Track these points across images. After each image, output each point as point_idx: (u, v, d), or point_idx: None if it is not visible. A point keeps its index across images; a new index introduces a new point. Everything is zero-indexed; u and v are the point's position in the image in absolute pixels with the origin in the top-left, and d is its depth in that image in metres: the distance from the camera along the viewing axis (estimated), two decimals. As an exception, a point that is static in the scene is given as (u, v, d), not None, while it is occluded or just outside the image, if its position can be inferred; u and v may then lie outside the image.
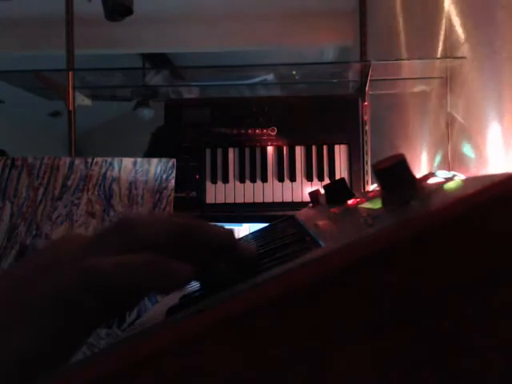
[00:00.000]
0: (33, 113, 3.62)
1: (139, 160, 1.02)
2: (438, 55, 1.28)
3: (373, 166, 0.24)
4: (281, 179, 1.25)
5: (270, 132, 1.27)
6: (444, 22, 1.24)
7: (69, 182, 1.00)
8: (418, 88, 1.49)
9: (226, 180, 1.25)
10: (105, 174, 1.00)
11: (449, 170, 1.14)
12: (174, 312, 0.28)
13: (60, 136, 1.97)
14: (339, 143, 1.26)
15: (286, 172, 1.25)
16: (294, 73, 1.60)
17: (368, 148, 1.30)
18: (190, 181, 1.24)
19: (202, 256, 0.28)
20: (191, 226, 0.26)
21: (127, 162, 1.01)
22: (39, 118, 4.07)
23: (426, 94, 1.43)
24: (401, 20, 1.67)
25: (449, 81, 1.24)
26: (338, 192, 0.45)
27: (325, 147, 1.26)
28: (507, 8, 0.90)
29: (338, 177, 1.25)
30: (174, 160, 1.03)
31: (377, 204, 0.27)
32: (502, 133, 0.93)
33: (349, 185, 1.20)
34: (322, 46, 3.04)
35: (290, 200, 1.24)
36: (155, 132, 1.81)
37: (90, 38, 2.26)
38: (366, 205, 0.32)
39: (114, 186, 0.99)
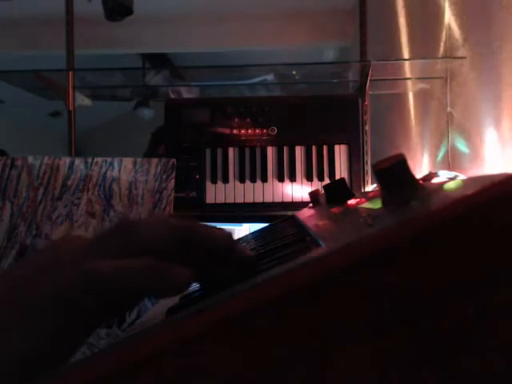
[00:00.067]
0: (33, 113, 3.62)
1: (139, 160, 1.02)
2: (438, 55, 1.28)
3: (373, 166, 0.24)
4: (281, 179, 1.25)
5: (269, 132, 1.27)
6: (444, 21, 1.24)
7: (69, 182, 1.00)
8: (418, 88, 1.49)
9: (226, 180, 1.25)
10: (105, 174, 1.00)
11: (449, 170, 1.14)
12: (174, 312, 0.28)
13: (60, 136, 1.97)
14: (339, 143, 1.26)
15: (286, 172, 1.25)
16: (294, 73, 1.60)
17: (368, 148, 1.30)
18: (189, 181, 1.24)
19: (202, 259, 0.28)
20: (191, 229, 0.26)
21: (127, 162, 1.01)
22: (39, 118, 4.07)
23: (426, 93, 1.43)
24: (401, 20, 1.67)
25: (449, 81, 1.24)
26: (338, 192, 0.45)
27: (325, 147, 1.26)
28: (507, 8, 0.90)
29: (338, 177, 1.25)
30: (174, 160, 1.03)
31: (377, 204, 0.27)
32: (501, 133, 0.93)
33: (349, 185, 1.20)
34: (321, 45, 3.04)
35: (289, 200, 1.24)
36: (155, 132, 1.81)
37: (90, 37, 2.26)
38: (366, 205, 0.32)
39: (114, 186, 0.99)
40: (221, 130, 1.27)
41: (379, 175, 0.23)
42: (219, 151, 1.27)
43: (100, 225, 0.98)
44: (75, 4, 1.48)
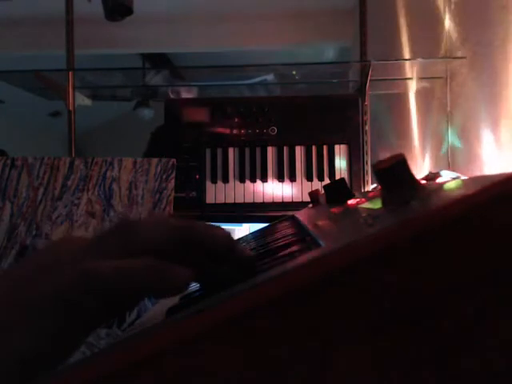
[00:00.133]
0: (33, 113, 3.62)
1: (139, 160, 1.02)
2: (438, 55, 1.28)
3: (373, 166, 0.24)
4: (281, 179, 1.25)
5: (269, 132, 1.27)
6: (444, 22, 1.24)
7: (69, 182, 1.00)
8: (418, 88, 1.49)
9: (226, 180, 1.25)
10: (105, 173, 1.00)
11: (449, 170, 1.14)
12: (174, 312, 0.28)
13: (60, 136, 1.97)
14: (339, 143, 1.26)
15: (286, 172, 1.25)
16: (294, 73, 1.60)
17: (368, 148, 1.30)
18: (190, 181, 1.24)
19: (202, 259, 0.28)
20: (191, 228, 0.26)
21: (127, 162, 1.01)
22: (39, 118, 4.07)
23: (426, 93, 1.43)
24: (401, 20, 1.67)
25: (449, 81, 1.24)
26: (338, 192, 0.45)
27: (325, 147, 1.26)
28: (507, 8, 0.90)
29: (337, 177, 1.25)
30: (174, 160, 1.03)
31: (377, 204, 0.27)
32: (501, 133, 0.93)
33: (349, 185, 1.20)
34: (321, 45, 3.04)
35: (290, 200, 1.24)
36: (155, 132, 1.81)
37: (90, 38, 2.26)
38: (366, 205, 0.32)
39: (114, 186, 0.99)
40: (221, 130, 1.27)
41: (379, 175, 0.23)
42: (219, 151, 1.27)
43: (100, 225, 0.98)
44: (75, 4, 1.48)
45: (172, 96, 2.04)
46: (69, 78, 1.39)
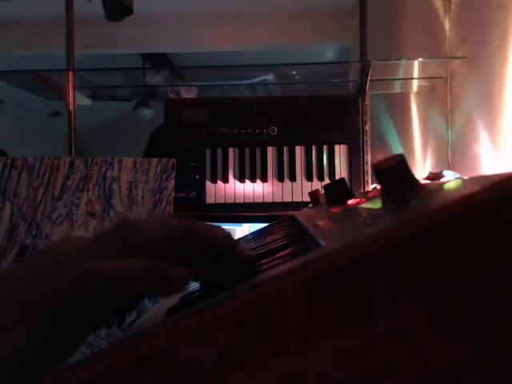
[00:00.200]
0: (33, 113, 3.62)
1: (139, 160, 1.02)
2: (438, 55, 1.28)
3: (373, 166, 0.24)
4: (281, 179, 1.25)
5: (269, 132, 1.27)
6: (444, 22, 1.24)
7: (69, 182, 1.00)
8: (418, 88, 1.49)
9: (226, 180, 1.25)
10: (105, 173, 1.00)
11: (448, 170, 1.14)
12: (174, 312, 0.28)
13: (60, 136, 1.97)
14: (339, 143, 1.26)
15: (286, 172, 1.25)
16: (294, 73, 1.60)
17: (368, 148, 1.30)
18: (190, 181, 1.24)
19: (202, 258, 0.28)
20: (191, 229, 0.26)
21: (127, 162, 1.01)
22: (39, 118, 4.07)
23: (426, 93, 1.43)
24: (401, 20, 1.67)
25: (449, 81, 1.24)
26: (338, 192, 0.45)
27: (325, 147, 1.26)
28: (507, 8, 0.90)
29: (338, 177, 1.25)
30: (174, 160, 1.03)
31: (377, 204, 0.27)
32: (501, 133, 0.93)
33: (349, 185, 1.20)
34: (321, 45, 3.04)
35: (289, 200, 1.24)
36: (154, 132, 1.81)
37: (90, 38, 2.26)
38: (366, 205, 0.32)
39: (114, 186, 0.99)
40: (221, 130, 1.26)
41: (379, 175, 0.23)
42: (219, 151, 1.27)
43: (100, 225, 0.98)
44: (75, 4, 1.48)
45: (172, 96, 2.04)
46: (69, 78, 1.39)
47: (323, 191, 0.49)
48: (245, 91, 2.24)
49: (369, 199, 0.35)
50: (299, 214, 0.53)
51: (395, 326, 0.17)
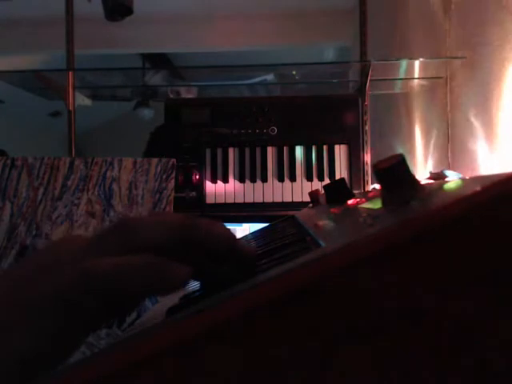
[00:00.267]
0: (33, 113, 3.62)
1: (139, 160, 1.02)
2: (438, 55, 1.28)
3: (373, 166, 0.24)
4: (281, 179, 1.25)
5: (269, 132, 1.27)
6: (444, 22, 1.24)
7: (69, 182, 1.00)
8: (418, 88, 1.49)
9: (226, 180, 1.25)
10: (105, 173, 1.00)
11: (448, 170, 1.14)
12: (174, 312, 0.28)
13: (60, 136, 1.97)
14: (339, 143, 1.26)
15: (286, 172, 1.25)
16: (294, 73, 1.60)
17: (368, 148, 1.30)
18: (190, 181, 1.24)
19: (203, 257, 0.28)
20: (191, 227, 0.26)
21: (127, 162, 1.01)
22: (39, 118, 4.07)
23: (426, 94, 1.43)
24: (401, 20, 1.67)
25: (449, 81, 1.24)
26: (338, 192, 0.45)
27: (325, 147, 1.26)
28: (507, 8, 0.90)
29: (338, 177, 1.25)
30: (174, 160, 1.03)
31: (377, 204, 0.27)
32: (501, 133, 0.93)
33: (349, 185, 1.20)
34: (321, 45, 3.04)
35: (289, 200, 1.24)
36: (154, 132, 1.81)
37: (90, 38, 2.26)
38: (366, 205, 0.32)
39: (114, 186, 0.99)
40: (221, 130, 1.27)
41: (379, 175, 0.23)
42: (219, 151, 1.27)
43: (100, 225, 0.98)
44: (75, 4, 1.48)
45: (171, 96, 2.04)
46: (69, 78, 1.40)
47: (323, 191, 0.49)
48: (245, 91, 2.24)
49: (369, 199, 0.35)
50: (299, 214, 0.53)
51: (395, 326, 0.17)
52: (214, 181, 1.25)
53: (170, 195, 1.00)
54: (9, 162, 1.01)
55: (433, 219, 0.17)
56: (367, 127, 1.32)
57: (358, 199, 0.39)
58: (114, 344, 0.22)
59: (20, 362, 0.22)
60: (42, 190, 0.99)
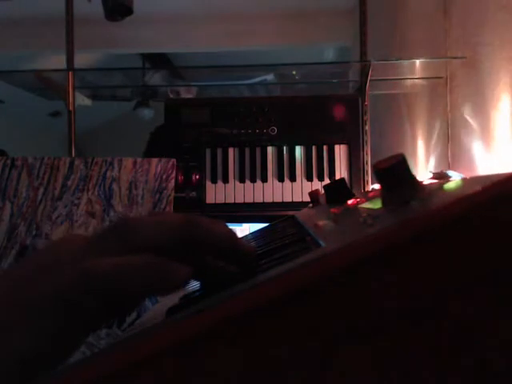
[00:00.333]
0: (33, 113, 3.62)
1: (139, 160, 1.02)
2: (438, 55, 1.28)
3: (373, 166, 0.24)
4: (281, 179, 1.25)
5: (269, 132, 1.27)
6: (444, 22, 1.24)
7: (69, 182, 1.00)
8: (418, 88, 1.49)
9: (225, 180, 1.25)
10: (105, 173, 1.00)
11: (448, 170, 1.14)
12: (174, 312, 0.28)
13: (60, 136, 1.97)
14: (339, 143, 1.26)
15: (286, 172, 1.25)
16: (294, 73, 1.60)
17: (368, 148, 1.30)
18: (190, 181, 1.24)
19: (203, 256, 0.28)
20: (191, 227, 0.26)
21: (127, 162, 1.01)
22: (39, 118, 4.07)
23: (426, 94, 1.43)
24: (401, 20, 1.67)
25: (449, 81, 1.24)
26: (338, 192, 0.45)
27: (325, 147, 1.26)
28: (507, 8, 0.90)
29: (338, 177, 1.25)
30: (174, 160, 1.03)
31: (377, 204, 0.27)
32: (502, 132, 0.93)
33: (349, 185, 1.20)
34: (321, 45, 3.04)
35: (289, 200, 1.24)
36: (154, 132, 1.81)
37: (90, 38, 2.26)
38: (366, 205, 0.32)
39: (114, 186, 0.99)
40: (221, 130, 1.27)
41: (379, 175, 0.23)
42: (219, 151, 1.27)
43: (100, 225, 0.98)
44: (75, 4, 1.48)
45: (171, 96, 2.04)
46: (69, 78, 1.40)
47: (323, 191, 0.49)
48: (245, 91, 2.24)
49: (369, 199, 0.35)
50: (299, 214, 0.53)
51: (395, 326, 0.17)
52: (213, 181, 1.25)
53: (169, 195, 1.00)
54: (9, 161, 1.01)
55: (433, 219, 0.17)
56: (367, 127, 1.32)
57: (358, 199, 0.39)
58: (114, 344, 0.22)
59: (20, 362, 0.22)
60: (41, 190, 0.99)
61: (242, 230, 1.42)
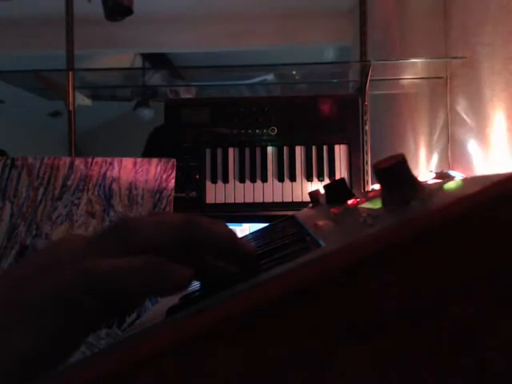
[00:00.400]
0: (33, 113, 3.61)
1: (139, 160, 1.02)
2: (438, 55, 1.28)
3: (373, 166, 0.24)
4: (281, 179, 1.25)
5: (269, 132, 1.27)
6: (444, 22, 1.24)
7: (69, 182, 1.00)
8: (418, 88, 1.49)
9: (225, 180, 1.25)
10: (105, 174, 1.00)
11: (449, 170, 1.14)
12: (174, 312, 0.28)
13: (60, 136, 1.97)
14: (339, 143, 1.26)
15: (286, 172, 1.25)
16: (294, 73, 1.60)
17: (368, 148, 1.30)
18: (190, 181, 1.24)
19: (203, 256, 0.28)
20: (192, 227, 0.26)
21: (127, 162, 1.01)
22: (39, 118, 4.07)
23: (426, 93, 1.43)
24: (401, 20, 1.67)
25: (449, 81, 1.24)
26: (338, 192, 0.45)
27: (325, 147, 1.26)
28: (507, 8, 0.90)
29: (338, 177, 1.25)
30: (174, 160, 1.03)
31: (377, 204, 0.27)
32: (502, 133, 0.93)
33: (349, 185, 1.20)
34: (321, 45, 3.04)
35: (290, 200, 1.24)
36: (152, 132, 1.81)
37: (90, 38, 2.26)
38: (366, 205, 0.32)
39: (114, 186, 0.99)
40: (221, 130, 1.27)
41: (379, 175, 0.23)
42: (219, 151, 1.27)
43: (100, 225, 0.98)
44: (75, 4, 1.48)
45: (170, 96, 2.04)
46: (69, 78, 1.40)
47: (323, 191, 0.49)
48: (245, 91, 2.24)
49: (369, 199, 0.35)
50: (299, 214, 0.53)
51: (395, 326, 0.17)
52: (213, 181, 1.25)
53: (169, 195, 1.00)
54: (9, 161, 1.01)
55: (433, 219, 0.17)
56: (367, 127, 1.32)
57: (358, 199, 0.39)
58: (114, 344, 0.22)
59: (20, 362, 0.22)
60: (41, 190, 0.99)
61: (242, 230, 1.42)
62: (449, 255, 0.17)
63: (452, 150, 1.21)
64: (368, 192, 0.52)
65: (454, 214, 0.17)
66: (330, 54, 3.16)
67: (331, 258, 0.17)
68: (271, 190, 1.25)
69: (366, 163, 1.29)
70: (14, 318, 0.23)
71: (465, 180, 0.25)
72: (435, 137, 1.33)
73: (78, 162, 1.01)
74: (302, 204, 1.17)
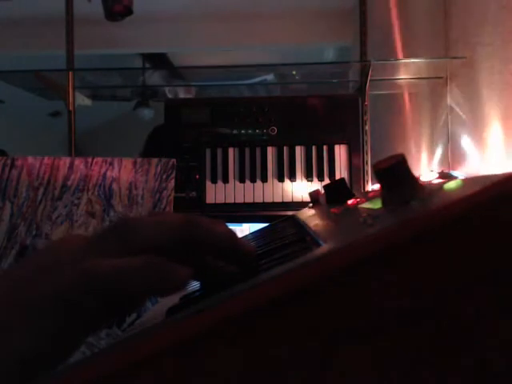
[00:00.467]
0: (33, 113, 3.61)
1: (139, 160, 1.02)
2: (438, 55, 1.28)
3: (373, 166, 0.24)
4: (281, 179, 1.25)
5: (269, 132, 1.27)
6: (444, 22, 1.24)
7: (69, 182, 1.00)
8: (418, 88, 1.49)
9: (225, 180, 1.25)
10: (105, 174, 1.00)
11: (449, 170, 1.15)
12: (174, 312, 0.28)
13: (60, 136, 1.97)
14: (339, 143, 1.26)
15: (286, 172, 1.25)
16: (294, 73, 1.60)
17: (368, 148, 1.30)
18: (189, 181, 1.24)
19: (203, 256, 0.28)
20: (192, 227, 0.26)
21: (127, 162, 1.01)
22: (39, 118, 4.06)
23: (426, 93, 1.43)
24: (401, 20, 1.67)
25: (449, 81, 1.24)
26: (338, 192, 0.45)
27: (325, 147, 1.26)
28: (507, 8, 0.90)
29: (338, 177, 1.25)
30: (174, 160, 1.03)
31: (377, 204, 0.27)
32: (502, 133, 0.93)
33: (349, 185, 1.20)
34: (321, 45, 3.04)
35: (289, 200, 1.24)
36: (152, 132, 1.81)
37: (90, 38, 2.26)
38: (366, 205, 0.32)
39: (114, 186, 0.99)
40: (221, 130, 1.27)
41: (379, 175, 0.23)
42: (219, 151, 1.27)
43: (100, 225, 0.98)
44: (75, 4, 1.48)
45: (170, 96, 2.04)
46: (69, 78, 1.40)
47: (323, 191, 0.49)
48: (245, 91, 2.24)
49: (369, 199, 0.35)
50: (299, 214, 0.53)
51: (395, 326, 0.17)
52: (213, 181, 1.25)
53: (169, 195, 1.00)
54: (9, 161, 1.01)
55: (433, 219, 0.17)
56: (367, 127, 1.32)
57: (358, 199, 0.39)
58: (113, 344, 0.22)
59: (20, 362, 0.22)
60: (41, 190, 0.99)
61: (242, 230, 1.42)
62: (449, 255, 0.17)
63: (452, 150, 1.21)
64: (368, 192, 0.52)
65: (454, 214, 0.17)
66: (329, 54, 3.16)
67: (331, 257, 0.17)
68: (271, 190, 1.25)
69: (366, 163, 1.29)
70: (14, 317, 0.23)
71: (465, 180, 0.25)
72: (435, 137, 1.33)
73: (77, 162, 1.01)
74: (302, 204, 1.17)
